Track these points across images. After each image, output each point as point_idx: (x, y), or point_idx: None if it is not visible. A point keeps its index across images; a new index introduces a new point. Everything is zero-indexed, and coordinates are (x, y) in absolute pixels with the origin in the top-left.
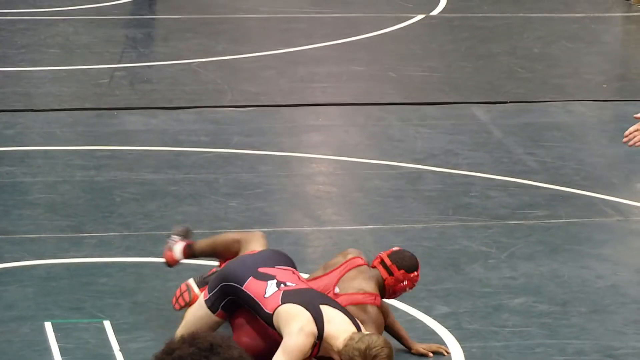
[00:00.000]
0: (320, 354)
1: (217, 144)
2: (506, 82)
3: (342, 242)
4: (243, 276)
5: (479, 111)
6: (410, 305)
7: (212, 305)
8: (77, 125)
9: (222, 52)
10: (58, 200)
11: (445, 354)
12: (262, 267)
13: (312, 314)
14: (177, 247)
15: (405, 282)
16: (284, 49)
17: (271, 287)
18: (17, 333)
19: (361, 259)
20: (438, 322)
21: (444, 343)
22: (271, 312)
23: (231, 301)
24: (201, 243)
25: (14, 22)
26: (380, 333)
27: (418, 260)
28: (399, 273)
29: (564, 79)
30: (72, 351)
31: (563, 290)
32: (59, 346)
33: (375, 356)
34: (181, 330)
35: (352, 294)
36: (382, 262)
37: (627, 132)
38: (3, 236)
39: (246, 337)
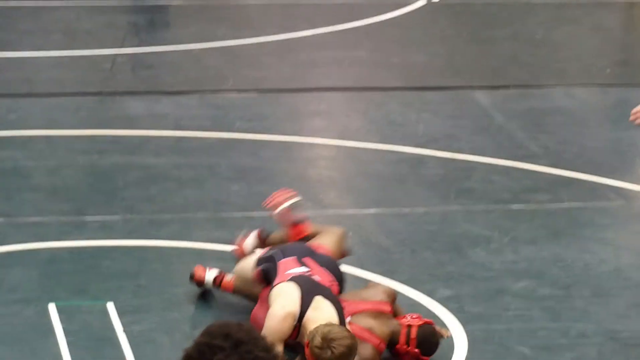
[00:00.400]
0: (299, 338)
1: (219, 129)
2: (508, 67)
3: (343, 226)
4: (289, 254)
5: (480, 96)
6: (412, 288)
7: (258, 260)
8: (79, 110)
9: (224, 38)
10: (60, 184)
11: (446, 336)
12: (310, 258)
13: (301, 297)
14: (250, 239)
15: (412, 358)
16: (286, 34)
17: (298, 270)
18: (21, 315)
19: (389, 305)
20: (441, 305)
21: (445, 326)
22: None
23: (269, 269)
24: (276, 235)
25: (17, 8)
26: None
27: (438, 348)
28: (413, 350)
29: (567, 64)
30: (76, 333)
31: (565, 274)
32: (63, 328)
33: (333, 339)
34: (237, 267)
35: (362, 327)
36: (409, 330)
37: (634, 111)
38: (6, 220)
39: (263, 313)
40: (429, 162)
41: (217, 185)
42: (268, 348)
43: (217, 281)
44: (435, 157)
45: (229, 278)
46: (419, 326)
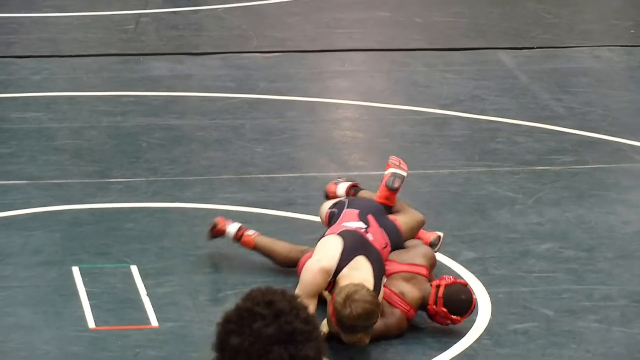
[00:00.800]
0: (333, 291)
1: (243, 90)
2: (532, 28)
3: (368, 188)
4: (355, 206)
5: (505, 57)
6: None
7: (334, 203)
8: (102, 71)
9: None
10: (84, 145)
11: None
12: (372, 216)
13: (342, 253)
14: (342, 185)
15: (444, 319)
16: None
17: (354, 224)
18: (45, 278)
19: (426, 269)
20: (464, 267)
21: None
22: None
23: (335, 215)
24: (365, 193)
25: None
26: (387, 332)
27: (471, 307)
28: (441, 309)
29: (591, 24)
30: (100, 296)
31: (589, 236)
32: (86, 291)
33: (355, 300)
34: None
35: (393, 292)
36: (437, 289)
37: None
38: (30, 181)
39: None
40: (453, 123)
41: (242, 146)
42: (308, 320)
43: (238, 235)
44: (459, 118)
45: (249, 233)
46: (447, 285)
